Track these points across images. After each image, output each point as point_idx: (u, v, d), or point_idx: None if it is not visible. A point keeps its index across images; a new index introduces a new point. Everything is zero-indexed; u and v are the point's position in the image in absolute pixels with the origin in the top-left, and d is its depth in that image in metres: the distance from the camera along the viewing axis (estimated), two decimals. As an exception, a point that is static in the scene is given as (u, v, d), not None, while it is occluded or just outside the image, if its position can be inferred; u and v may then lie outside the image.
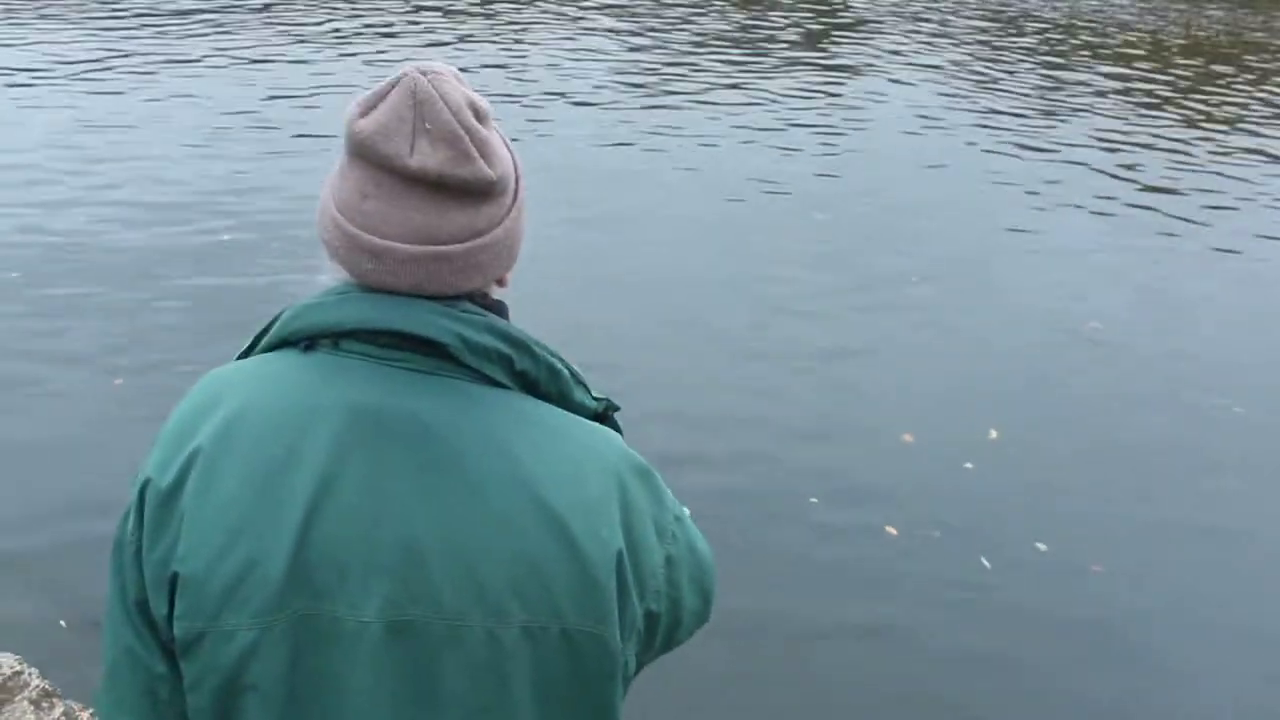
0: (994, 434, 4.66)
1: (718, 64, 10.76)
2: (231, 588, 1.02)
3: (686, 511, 1.23)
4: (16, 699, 2.67)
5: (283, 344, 1.11)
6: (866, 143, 8.46)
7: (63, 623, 3.26)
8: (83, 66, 9.43)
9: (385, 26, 11.44)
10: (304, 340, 1.09)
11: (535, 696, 1.05)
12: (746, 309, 5.72)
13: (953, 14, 13.45)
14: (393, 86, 1.04)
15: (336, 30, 11.16)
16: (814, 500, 4.17)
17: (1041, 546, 4.01)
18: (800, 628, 3.58)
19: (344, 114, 1.05)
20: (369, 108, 1.04)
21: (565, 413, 1.13)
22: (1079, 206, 7.39)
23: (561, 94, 9.42)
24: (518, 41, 11.03)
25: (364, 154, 1.03)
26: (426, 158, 1.02)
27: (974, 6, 13.91)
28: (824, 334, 5.49)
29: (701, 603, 1.20)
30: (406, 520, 1.02)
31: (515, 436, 1.06)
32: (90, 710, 2.64)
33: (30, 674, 2.75)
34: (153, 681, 1.09)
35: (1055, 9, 13.94)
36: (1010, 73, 11.01)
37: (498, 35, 11.39)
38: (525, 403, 1.10)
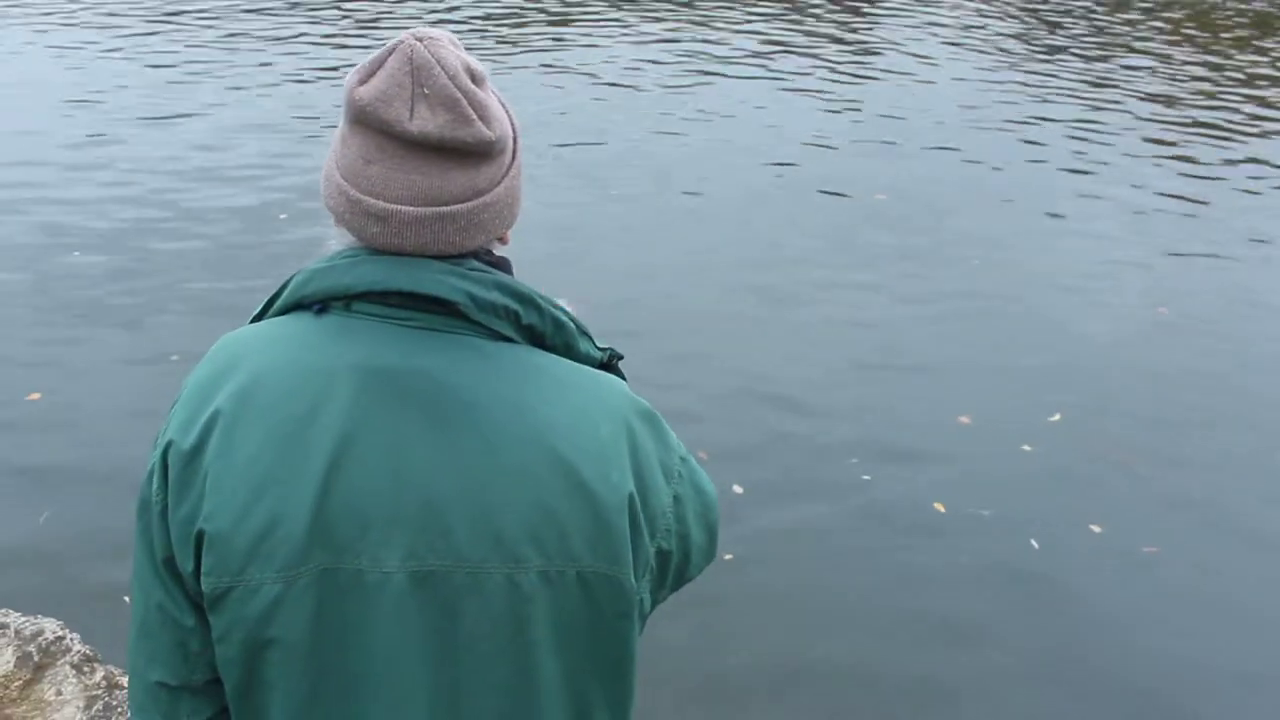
0: (1057, 417, 4.66)
1: (756, 35, 10.73)
2: (256, 544, 1.08)
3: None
4: (59, 663, 2.78)
5: (295, 308, 1.17)
6: (916, 120, 8.41)
7: (126, 599, 3.39)
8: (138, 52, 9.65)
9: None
10: (317, 304, 1.15)
11: (554, 639, 1.12)
12: (802, 285, 5.77)
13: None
14: (390, 53, 1.09)
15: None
16: (866, 477, 4.24)
17: (1095, 529, 4.02)
18: (834, 597, 3.69)
19: (344, 82, 1.11)
20: (368, 75, 1.09)
21: (571, 363, 1.19)
22: (1145, 188, 7.31)
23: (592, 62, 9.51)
24: (553, 24, 11.08)
25: (365, 120, 1.09)
26: (426, 122, 1.07)
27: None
28: (885, 313, 5.52)
29: (708, 539, 1.26)
30: (424, 473, 1.08)
31: (525, 388, 1.12)
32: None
33: (72, 639, 2.85)
34: (183, 635, 1.15)
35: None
36: (1059, 47, 10.85)
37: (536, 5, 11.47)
38: (533, 355, 1.16)
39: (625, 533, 1.12)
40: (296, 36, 10.18)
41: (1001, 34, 11.10)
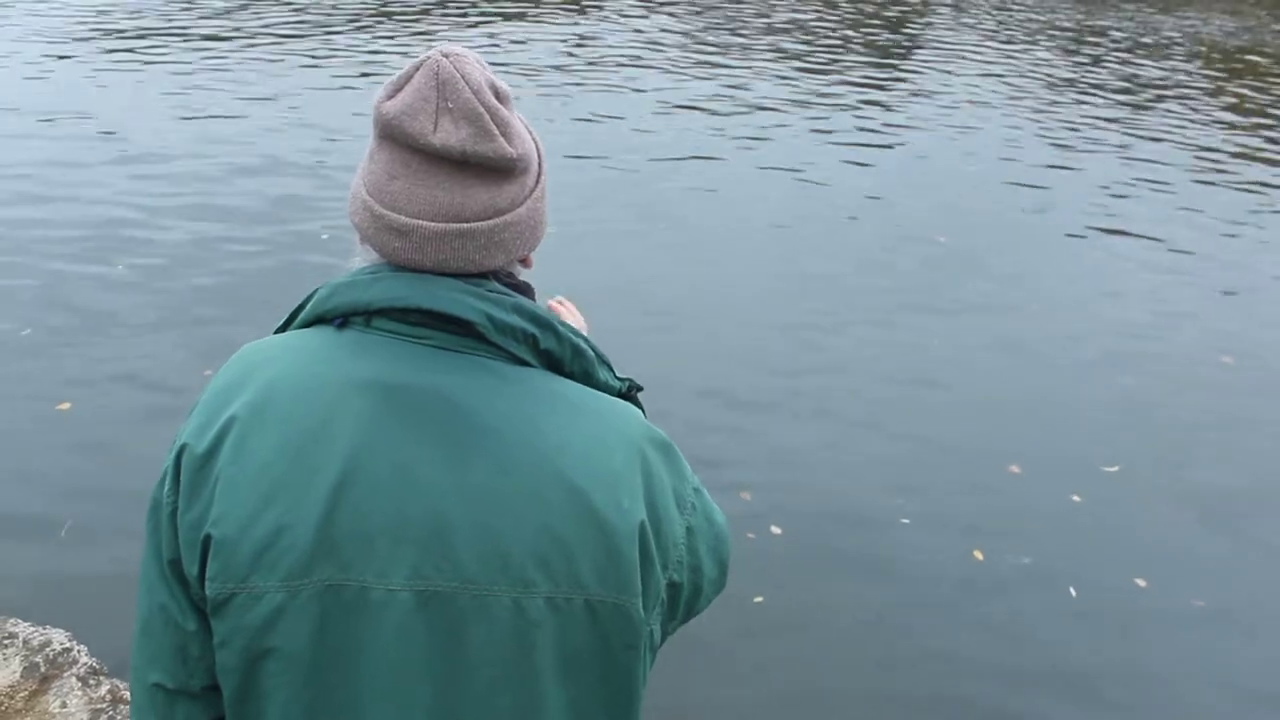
0: (1115, 468, 4.65)
1: (789, 64, 10.82)
2: (261, 551, 1.11)
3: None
4: (65, 674, 2.84)
5: (317, 321, 1.21)
6: (971, 164, 8.47)
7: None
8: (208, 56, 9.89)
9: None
10: (337, 318, 1.19)
11: (560, 666, 1.14)
12: (854, 325, 5.80)
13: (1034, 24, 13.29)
14: (417, 69, 1.14)
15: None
16: (905, 521, 4.26)
17: (1141, 582, 3.99)
18: (861, 642, 3.72)
19: (372, 99, 1.16)
20: (395, 90, 1.14)
21: (587, 389, 1.21)
22: (1205, 234, 7.30)
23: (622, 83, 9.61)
24: (579, 45, 11.22)
25: (391, 134, 1.14)
26: (449, 135, 1.12)
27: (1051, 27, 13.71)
28: (940, 357, 5.53)
29: (719, 572, 1.28)
30: (434, 493, 1.11)
31: (540, 412, 1.15)
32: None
33: (79, 650, 2.92)
34: (184, 639, 1.18)
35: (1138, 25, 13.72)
36: (1095, 83, 10.85)
37: (561, 25, 11.63)
38: (550, 380, 1.19)
39: (635, 561, 1.14)
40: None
41: (1050, 75, 11.10)
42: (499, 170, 1.15)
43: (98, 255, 6.07)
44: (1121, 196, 7.87)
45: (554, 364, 1.20)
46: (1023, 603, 3.87)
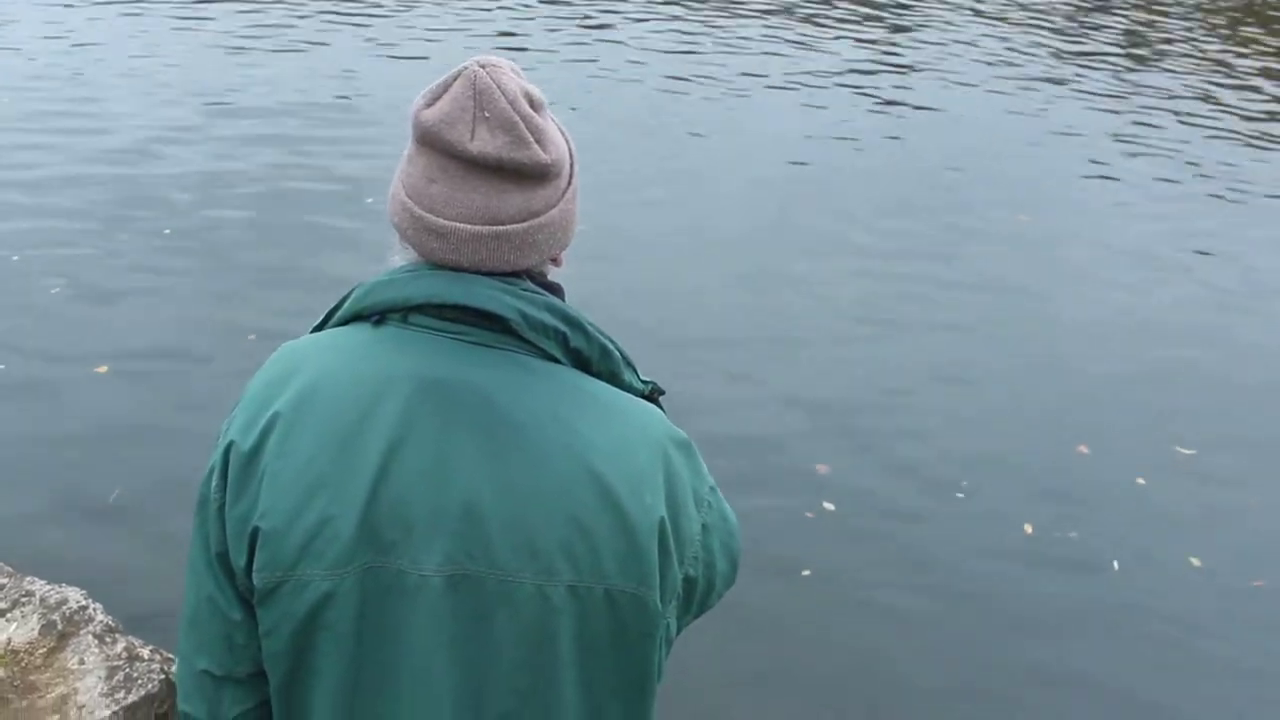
0: (1191, 452, 4.76)
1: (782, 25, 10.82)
2: (308, 541, 1.24)
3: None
4: (81, 632, 3.01)
5: (355, 319, 1.34)
6: (1045, 142, 8.45)
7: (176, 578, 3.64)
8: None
9: None
10: (375, 315, 1.31)
11: (578, 651, 1.27)
12: (932, 302, 5.89)
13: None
14: (455, 79, 1.25)
15: None
16: (959, 495, 4.41)
17: (1195, 562, 4.11)
18: (900, 614, 3.89)
19: (411, 106, 1.26)
20: (433, 99, 1.25)
21: (614, 389, 1.34)
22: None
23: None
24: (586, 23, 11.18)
25: (429, 141, 1.25)
26: (486, 143, 1.23)
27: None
28: (1020, 334, 5.64)
29: (730, 567, 1.42)
30: (468, 483, 1.24)
31: (569, 408, 1.27)
32: (150, 646, 2.98)
33: (95, 609, 3.08)
34: (230, 628, 1.32)
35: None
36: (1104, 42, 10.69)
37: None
38: (579, 378, 1.31)
39: (654, 555, 1.27)
40: None
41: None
42: (533, 175, 1.25)
43: (143, 214, 6.18)
44: (1202, 177, 7.87)
45: (582, 362, 1.32)
46: (1064, 577, 4.02)
